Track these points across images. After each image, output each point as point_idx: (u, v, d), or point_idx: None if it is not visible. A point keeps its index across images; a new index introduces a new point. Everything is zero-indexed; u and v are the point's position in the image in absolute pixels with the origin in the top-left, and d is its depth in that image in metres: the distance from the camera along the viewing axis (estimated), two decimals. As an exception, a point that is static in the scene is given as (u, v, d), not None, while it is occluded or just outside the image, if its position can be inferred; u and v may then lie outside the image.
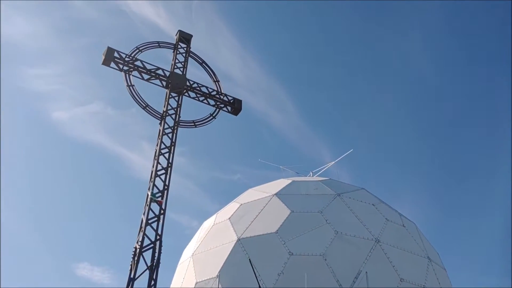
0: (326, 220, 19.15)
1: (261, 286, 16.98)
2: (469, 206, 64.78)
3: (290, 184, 22.46)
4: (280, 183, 22.77)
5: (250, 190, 23.57)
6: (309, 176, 26.36)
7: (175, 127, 18.27)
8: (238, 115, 22.49)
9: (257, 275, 17.09)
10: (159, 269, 11.29)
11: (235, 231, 19.79)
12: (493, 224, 61.55)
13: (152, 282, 10.58)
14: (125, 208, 68.02)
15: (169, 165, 16.13)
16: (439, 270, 19.94)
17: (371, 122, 65.30)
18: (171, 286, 22.01)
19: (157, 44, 21.38)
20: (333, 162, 27.15)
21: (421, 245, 20.14)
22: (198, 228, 23.41)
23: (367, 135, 64.74)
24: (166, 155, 16.19)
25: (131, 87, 18.90)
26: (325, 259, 17.77)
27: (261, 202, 21.03)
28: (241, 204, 21.67)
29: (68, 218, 64.18)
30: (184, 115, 20.32)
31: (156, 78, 19.64)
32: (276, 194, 21.11)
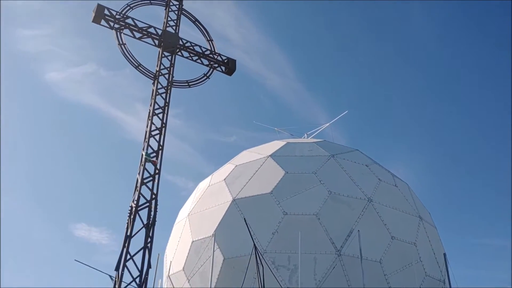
0: (320, 181, 19.37)
1: (256, 245, 17.35)
2: (461, 169, 65.77)
3: (284, 145, 22.54)
4: (275, 145, 22.84)
5: (245, 152, 23.66)
6: (304, 138, 26.44)
7: (169, 86, 18.03)
8: (232, 76, 22.19)
9: (252, 234, 17.42)
10: (155, 227, 11.47)
11: (230, 192, 20.00)
12: (486, 185, 62.76)
13: (149, 240, 10.76)
14: (120, 169, 68.33)
15: (163, 125, 16.03)
16: (430, 228, 20.43)
17: (367, 84, 65.06)
18: (168, 245, 22.47)
19: (149, 1, 20.77)
20: (328, 124, 27.18)
21: (412, 204, 20.52)
22: (194, 189, 23.66)
23: (363, 97, 64.66)
24: (160, 115, 16.04)
25: (122, 46, 18.49)
26: (319, 219, 18.10)
27: (256, 163, 21.15)
28: (236, 166, 21.79)
29: (63, 179, 64.47)
30: (178, 76, 20.06)
31: (148, 37, 19.20)
32: (271, 155, 21.21)
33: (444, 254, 20.25)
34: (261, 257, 17.37)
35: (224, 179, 21.01)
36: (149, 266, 10.72)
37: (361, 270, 16.79)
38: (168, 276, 20.65)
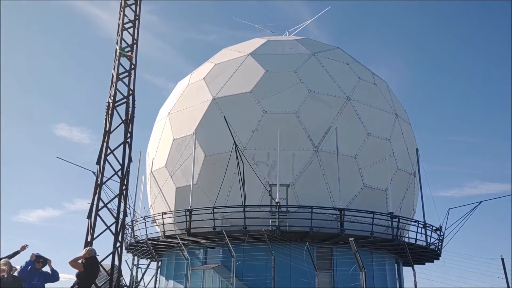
0: (300, 79, 19.29)
1: (236, 142, 17.73)
2: (440, 71, 66.05)
3: (265, 43, 21.99)
4: (255, 43, 22.26)
5: (224, 50, 23.07)
6: (285, 35, 25.73)
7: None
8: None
9: (232, 132, 17.71)
10: (135, 124, 11.49)
11: (210, 90, 19.87)
12: (461, 85, 63.68)
13: (128, 135, 10.82)
14: (98, 67, 66.61)
15: (137, 17, 15.13)
16: (404, 125, 21.03)
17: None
18: (150, 143, 22.82)
19: None
20: (310, 21, 26.34)
21: (390, 102, 20.83)
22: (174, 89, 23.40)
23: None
24: (133, 6, 15.01)
25: None
26: (298, 117, 18.37)
27: (235, 62, 20.76)
28: (216, 64, 21.38)
29: (39, 79, 62.82)
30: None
31: None
32: (251, 53, 20.76)
33: (417, 150, 21.15)
34: (241, 153, 17.88)
35: (204, 78, 20.74)
36: (130, 160, 10.93)
37: (337, 165, 17.55)
38: (151, 172, 21.28)
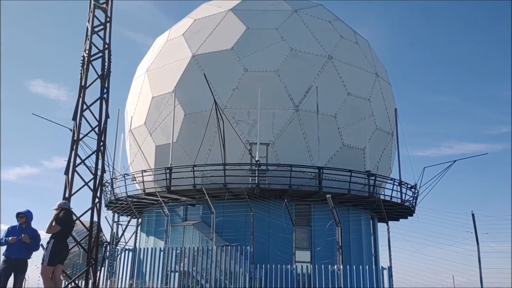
0: (282, 37, 19.01)
1: (216, 101, 17.58)
2: (423, 33, 65.89)
3: (246, -2, 21.42)
4: (236, -2, 21.65)
5: (204, 5, 22.41)
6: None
7: None
8: None
9: (212, 90, 17.51)
10: (112, 80, 11.21)
11: (189, 47, 19.43)
12: (442, 46, 63.90)
13: (105, 90, 10.56)
14: (74, 20, 64.19)
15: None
16: (384, 85, 21.13)
17: None
18: (128, 101, 22.41)
19: None
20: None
21: (371, 62, 20.80)
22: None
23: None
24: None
25: None
26: (279, 75, 18.23)
27: (216, 17, 20.23)
28: (195, 20, 20.80)
29: (12, 33, 60.27)
30: None
31: None
32: (231, 9, 20.23)
33: (395, 110, 21.39)
34: (221, 112, 17.78)
35: (183, 34, 20.22)
36: (107, 116, 10.73)
37: (316, 124, 17.67)
38: (130, 130, 21.05)
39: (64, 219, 7.81)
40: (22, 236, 7.71)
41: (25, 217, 7.89)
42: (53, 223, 7.90)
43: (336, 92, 18.70)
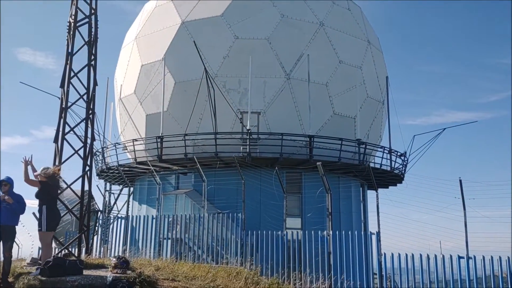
0: (273, 4, 18.66)
1: (207, 69, 17.37)
2: (419, 4, 65.04)
3: (237, -37, 20.84)
4: (226, -38, 21.05)
5: (194, -30, 21.78)
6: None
7: None
8: None
9: (202, 58, 17.26)
10: (100, 47, 10.98)
11: (178, 13, 19.03)
12: (436, 14, 63.27)
13: (92, 57, 10.35)
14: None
15: None
16: (376, 53, 20.97)
17: None
18: (117, 69, 22.07)
19: None
20: None
21: (363, 29, 20.56)
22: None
23: None
24: None
25: None
26: (270, 43, 18.00)
27: (205, -17, 19.72)
28: (184, -15, 20.27)
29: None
30: None
31: None
32: (221, -26, 19.71)
33: (387, 78, 21.33)
34: (212, 80, 17.60)
35: (172, 0, 19.75)
36: (95, 83, 10.56)
37: (308, 93, 17.61)
38: (120, 99, 20.83)
39: (46, 183, 7.75)
40: (6, 197, 7.58)
41: (8, 184, 7.78)
42: (37, 178, 7.82)
43: (327, 60, 18.55)
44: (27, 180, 7.93)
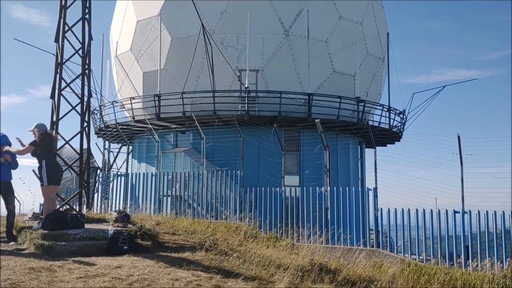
0: (272, -43, 17.99)
1: (204, 25, 16.97)
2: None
3: None
4: None
5: None
6: None
7: None
8: None
9: (199, 14, 16.81)
10: (95, 2, 10.65)
11: (174, -34, 18.37)
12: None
13: (86, 11, 10.03)
14: None
15: None
16: (377, 8, 20.42)
17: None
18: (112, 25, 21.56)
19: None
20: None
21: (364, -18, 19.93)
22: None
23: None
24: None
25: None
26: (269, -2, 17.50)
27: None
28: None
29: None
30: None
31: None
32: None
33: (387, 34, 20.90)
34: (209, 37, 17.24)
35: (167, -48, 19.00)
36: (90, 38, 10.30)
37: (307, 50, 17.32)
38: (116, 56, 20.47)
39: (41, 139, 7.71)
40: (6, 155, 7.72)
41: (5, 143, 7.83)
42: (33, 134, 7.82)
43: (327, 16, 18.12)
44: (22, 153, 7.97)
